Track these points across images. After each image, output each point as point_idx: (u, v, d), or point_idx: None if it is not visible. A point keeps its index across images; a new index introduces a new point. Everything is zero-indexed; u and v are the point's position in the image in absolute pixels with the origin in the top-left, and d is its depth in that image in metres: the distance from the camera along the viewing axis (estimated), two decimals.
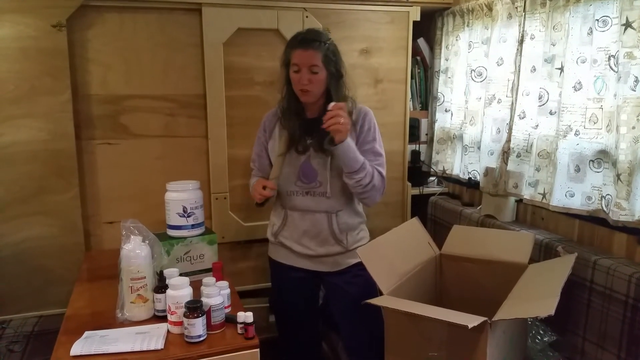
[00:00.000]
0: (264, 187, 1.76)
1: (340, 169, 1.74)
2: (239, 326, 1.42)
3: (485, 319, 1.30)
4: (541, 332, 1.72)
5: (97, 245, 2.17)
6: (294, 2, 2.24)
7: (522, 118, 2.01)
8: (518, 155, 2.04)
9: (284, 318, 2.02)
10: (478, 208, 2.33)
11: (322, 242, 1.82)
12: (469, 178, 2.40)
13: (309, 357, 2.07)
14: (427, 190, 2.66)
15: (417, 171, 2.65)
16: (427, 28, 2.68)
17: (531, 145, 1.98)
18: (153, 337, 1.37)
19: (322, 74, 1.71)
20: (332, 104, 1.65)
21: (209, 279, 1.48)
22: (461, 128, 2.45)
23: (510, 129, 2.07)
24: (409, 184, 2.57)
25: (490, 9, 2.19)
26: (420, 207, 2.63)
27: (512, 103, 2.05)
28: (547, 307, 1.29)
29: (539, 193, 1.94)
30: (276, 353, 2.04)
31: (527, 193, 2.01)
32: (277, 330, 2.06)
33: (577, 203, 1.79)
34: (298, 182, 1.81)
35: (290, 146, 1.80)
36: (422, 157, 2.69)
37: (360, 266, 1.75)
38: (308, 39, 1.72)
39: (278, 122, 1.86)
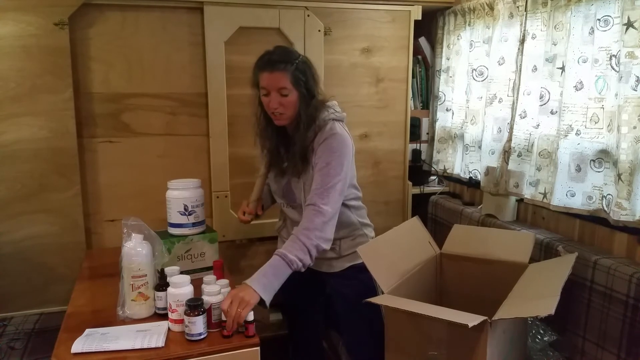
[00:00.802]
0: (244, 213, 1.83)
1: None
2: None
3: (485, 318, 1.30)
4: (541, 331, 1.72)
5: (98, 243, 2.17)
6: (296, 0, 2.24)
7: (523, 117, 2.01)
8: (519, 155, 2.04)
9: (289, 311, 2.04)
10: (479, 207, 2.33)
11: None
12: (470, 177, 2.40)
13: (311, 353, 2.07)
14: (427, 189, 2.66)
15: (418, 170, 2.65)
16: (429, 27, 2.67)
17: (532, 145, 1.98)
18: (154, 335, 1.38)
19: (293, 95, 1.62)
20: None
21: (209, 277, 1.48)
22: (462, 127, 2.45)
23: (511, 128, 2.07)
24: (410, 183, 2.57)
25: (491, 8, 2.19)
26: (420, 206, 2.63)
27: (513, 102, 2.05)
28: (547, 306, 1.29)
29: (539, 192, 1.94)
30: (277, 352, 2.05)
31: (527, 192, 2.01)
32: (286, 324, 2.08)
33: (577, 203, 1.79)
34: (281, 200, 1.84)
35: (270, 167, 1.81)
36: (423, 156, 2.69)
37: (356, 269, 1.76)
38: (274, 61, 1.61)
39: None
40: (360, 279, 1.73)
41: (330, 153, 1.64)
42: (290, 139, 1.73)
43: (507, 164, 2.08)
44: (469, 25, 2.37)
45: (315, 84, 1.69)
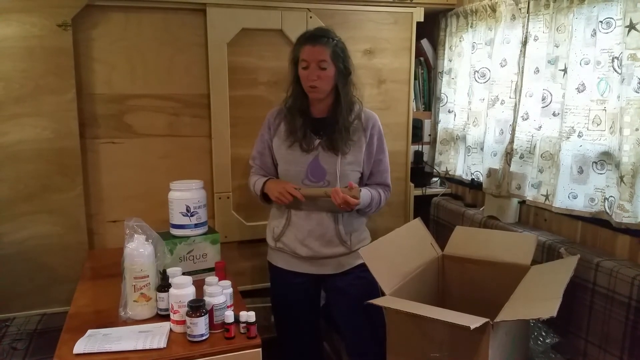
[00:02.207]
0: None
1: (348, 167, 1.78)
2: (242, 325, 1.42)
3: (487, 320, 1.30)
4: (543, 333, 1.72)
5: (101, 244, 2.17)
6: (298, 2, 2.24)
7: (525, 119, 2.01)
8: (521, 157, 2.04)
9: (284, 322, 2.01)
10: (481, 209, 2.33)
11: (327, 243, 1.82)
12: (472, 179, 2.40)
13: (312, 356, 2.07)
14: (429, 191, 2.66)
15: (420, 172, 2.65)
16: (431, 29, 2.67)
17: (534, 147, 1.98)
18: (156, 336, 1.38)
19: (331, 70, 1.72)
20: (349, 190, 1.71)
21: (211, 278, 1.48)
22: (464, 129, 2.45)
23: (513, 130, 2.07)
24: (412, 185, 2.57)
25: (494, 10, 2.19)
26: (422, 207, 2.63)
27: (515, 104, 2.05)
28: (550, 308, 1.29)
29: (541, 194, 1.94)
30: (278, 353, 2.04)
31: (530, 194, 2.01)
32: (276, 333, 2.05)
33: (580, 205, 1.79)
34: (305, 180, 1.80)
35: (292, 142, 1.80)
36: (425, 158, 2.69)
37: (362, 267, 1.76)
38: (316, 35, 1.74)
39: (284, 120, 1.85)
40: (366, 278, 1.73)
41: (382, 138, 1.87)
42: (322, 120, 1.79)
43: (509, 165, 2.08)
44: (471, 27, 2.37)
45: (351, 63, 1.79)
